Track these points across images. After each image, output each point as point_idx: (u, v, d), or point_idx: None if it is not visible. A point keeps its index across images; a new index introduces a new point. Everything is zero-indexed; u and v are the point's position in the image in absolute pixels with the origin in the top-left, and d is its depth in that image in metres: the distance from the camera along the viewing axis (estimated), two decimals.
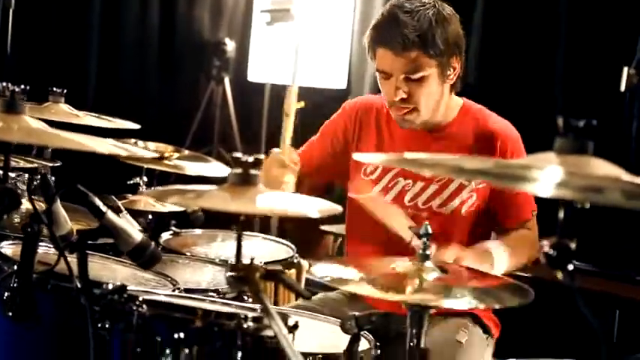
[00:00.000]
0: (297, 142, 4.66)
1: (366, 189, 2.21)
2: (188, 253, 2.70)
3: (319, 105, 4.76)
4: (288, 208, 1.31)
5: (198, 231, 2.98)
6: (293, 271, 2.73)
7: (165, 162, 2.88)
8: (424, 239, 1.50)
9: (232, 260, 1.23)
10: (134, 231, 1.50)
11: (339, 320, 1.75)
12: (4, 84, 1.45)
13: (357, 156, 1.36)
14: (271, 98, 4.68)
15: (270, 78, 4.65)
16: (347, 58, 4.60)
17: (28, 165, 2.09)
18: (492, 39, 3.90)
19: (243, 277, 1.26)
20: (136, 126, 2.59)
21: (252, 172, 1.28)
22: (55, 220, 1.55)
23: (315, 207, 1.34)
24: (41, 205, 1.51)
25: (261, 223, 4.45)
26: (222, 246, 2.89)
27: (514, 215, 2.20)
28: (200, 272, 2.49)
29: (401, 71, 2.06)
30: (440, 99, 2.13)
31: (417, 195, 2.17)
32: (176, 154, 2.96)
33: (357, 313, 1.68)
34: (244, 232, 3.08)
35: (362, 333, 1.69)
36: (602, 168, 1.13)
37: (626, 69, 3.06)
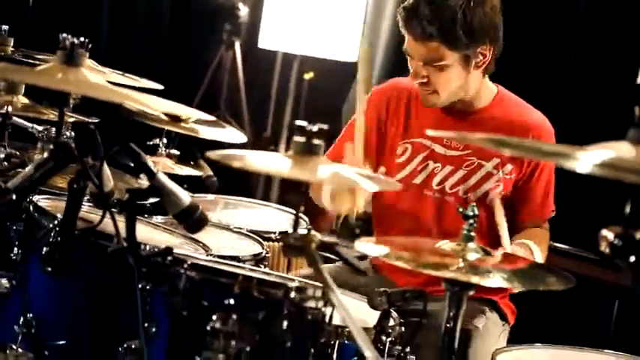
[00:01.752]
0: (304, 113, 4.67)
1: (394, 171, 2.21)
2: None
3: (328, 77, 4.76)
4: (350, 180, 1.30)
5: (211, 196, 2.97)
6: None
7: (182, 124, 2.86)
8: (471, 221, 1.51)
9: (253, 229, 1.22)
10: (183, 193, 1.49)
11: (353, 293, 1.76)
12: (65, 35, 1.42)
13: (430, 132, 1.35)
14: (282, 66, 4.65)
15: (281, 46, 4.61)
16: (359, 31, 4.57)
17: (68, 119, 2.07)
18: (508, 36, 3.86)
19: (300, 247, 1.26)
20: (160, 86, 2.57)
21: (315, 141, 1.28)
22: (100, 178, 1.54)
23: (373, 182, 1.34)
24: (89, 162, 1.49)
25: (264, 192, 4.46)
26: (235, 213, 2.90)
27: (535, 212, 2.21)
28: (217, 238, 2.49)
29: (420, 57, 2.07)
30: (465, 83, 2.12)
31: (445, 179, 2.18)
32: (192, 118, 2.95)
33: (388, 290, 1.69)
34: (258, 201, 3.07)
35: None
36: None
37: None
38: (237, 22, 4.70)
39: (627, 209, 1.16)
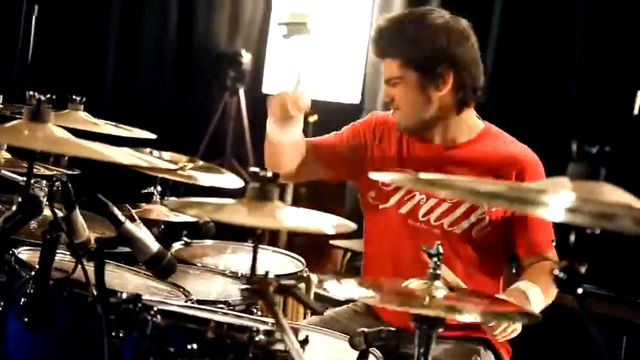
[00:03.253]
0: None
1: (382, 199, 2.23)
2: (199, 264, 2.72)
3: (333, 119, 4.79)
4: (307, 224, 1.33)
5: (209, 242, 3.00)
6: (302, 285, 2.75)
7: (179, 172, 2.90)
8: (435, 259, 1.52)
9: (246, 273, 1.24)
10: (151, 240, 1.52)
11: (347, 336, 1.77)
12: (31, 93, 1.48)
13: (373, 175, 1.38)
14: None
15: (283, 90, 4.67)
16: (361, 73, 4.63)
17: (48, 172, 2.13)
18: (507, 61, 3.92)
19: (258, 290, 1.28)
20: (153, 136, 2.62)
21: (270, 187, 1.30)
22: (74, 227, 1.58)
23: (330, 223, 1.36)
24: (60, 213, 1.53)
25: (270, 236, 4.48)
26: (233, 258, 2.91)
27: (535, 247, 2.15)
28: (211, 283, 2.51)
29: (385, 76, 2.20)
30: (427, 104, 2.14)
31: (430, 211, 2.18)
32: (190, 165, 3.00)
33: (366, 330, 1.70)
34: (266, 247, 3.10)
35: (370, 349, 1.71)
36: (614, 194, 1.15)
37: (639, 93, 3.08)
38: (241, 69, 4.79)
39: (571, 243, 1.17)
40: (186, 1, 4.80)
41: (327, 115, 4.81)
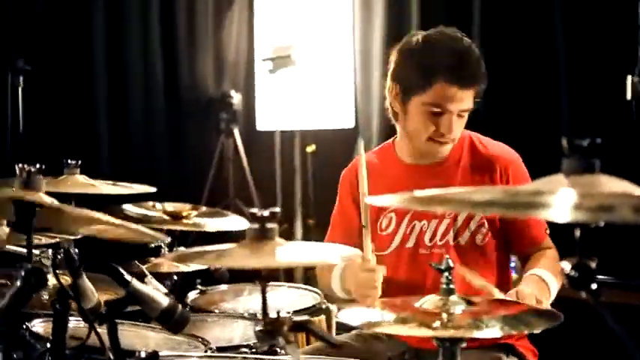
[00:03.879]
0: (313, 185, 4.70)
1: (383, 246, 2.21)
2: (216, 311, 2.71)
3: (331, 146, 4.82)
4: (310, 258, 1.32)
5: (224, 287, 2.99)
6: (322, 317, 2.73)
7: (184, 221, 2.90)
8: (446, 274, 1.51)
9: (259, 315, 1.23)
10: (160, 296, 1.51)
11: None
12: (20, 165, 1.48)
13: (369, 199, 1.37)
14: (283, 144, 4.73)
15: (278, 125, 4.69)
16: (352, 96, 4.64)
17: (51, 240, 2.12)
18: (491, 64, 3.91)
19: (271, 331, 1.27)
20: (152, 189, 2.62)
21: (269, 225, 1.30)
22: (82, 293, 1.57)
23: (335, 253, 1.35)
24: (67, 280, 1.53)
25: (286, 272, 4.46)
26: (250, 299, 2.89)
27: (531, 239, 2.20)
28: (230, 328, 2.50)
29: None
30: None
31: (435, 233, 2.18)
32: (194, 212, 2.99)
33: (389, 354, 1.69)
34: (269, 284, 3.08)
35: None
36: (612, 185, 1.14)
37: (630, 77, 3.07)
38: (232, 110, 4.81)
39: (577, 237, 1.16)
40: (170, 51, 4.83)
41: (325, 143, 4.83)
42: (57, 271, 1.50)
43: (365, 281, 1.99)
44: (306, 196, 4.71)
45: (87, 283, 1.60)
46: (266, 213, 1.29)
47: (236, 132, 4.81)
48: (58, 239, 2.07)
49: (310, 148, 4.79)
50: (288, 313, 2.54)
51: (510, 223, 2.16)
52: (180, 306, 1.53)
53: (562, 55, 3.71)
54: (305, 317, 1.27)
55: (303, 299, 2.82)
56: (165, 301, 1.51)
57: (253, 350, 2.13)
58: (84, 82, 4.51)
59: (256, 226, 1.30)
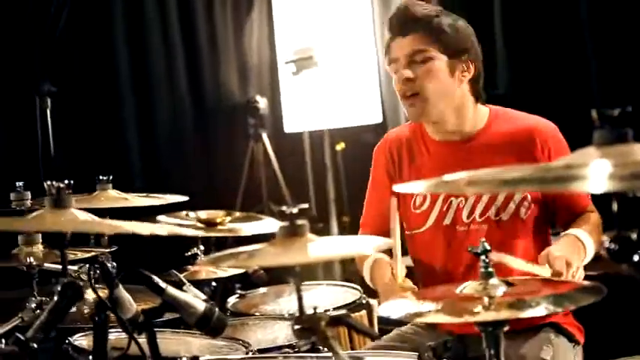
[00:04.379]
0: (346, 183, 4.69)
1: (418, 223, 2.20)
2: (257, 313, 2.71)
3: (359, 142, 4.80)
4: (341, 251, 1.31)
5: (263, 289, 2.99)
6: (363, 312, 2.71)
7: (219, 227, 2.90)
8: (483, 257, 1.48)
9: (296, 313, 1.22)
10: (197, 301, 1.51)
11: (415, 354, 1.74)
12: (49, 182, 1.49)
13: (397, 187, 1.35)
14: (311, 144, 4.72)
15: (305, 126, 4.69)
16: (377, 91, 4.62)
17: (87, 255, 2.14)
18: (515, 44, 3.87)
19: (309, 328, 1.26)
20: (184, 198, 2.63)
21: (299, 222, 1.29)
22: (121, 304, 1.57)
23: (368, 244, 1.33)
24: (105, 293, 1.53)
25: (324, 270, 4.45)
26: (290, 300, 2.88)
27: (576, 207, 2.15)
28: (272, 329, 2.50)
29: (405, 53, 2.10)
30: (453, 95, 2.12)
31: (473, 209, 2.14)
32: (228, 218, 2.99)
33: (432, 343, 1.66)
34: (306, 282, 3.08)
35: None
36: None
37: None
38: (259, 114, 4.81)
39: (615, 210, 1.13)
40: (193, 61, 4.85)
41: (354, 140, 4.81)
42: (94, 285, 1.50)
43: (391, 294, 1.97)
44: (339, 194, 4.69)
45: (124, 294, 1.60)
46: (295, 210, 1.28)
47: (264, 136, 4.81)
48: (94, 253, 2.09)
49: (340, 146, 4.77)
50: (328, 310, 2.56)
51: (554, 194, 2.11)
52: (217, 310, 1.52)
53: (586, 27, 3.64)
54: (342, 312, 1.25)
55: (344, 296, 2.81)
56: (201, 306, 1.50)
57: (296, 350, 2.13)
58: (110, 99, 4.54)
59: (286, 223, 1.29)
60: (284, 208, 1.30)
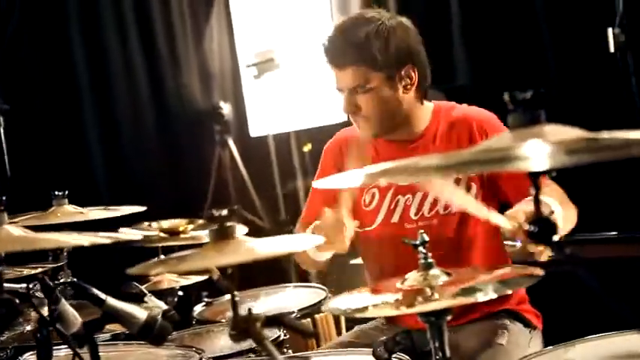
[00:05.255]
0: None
1: (367, 222, 2.20)
2: (223, 320, 2.70)
3: (326, 142, 4.77)
4: (274, 251, 1.30)
5: (229, 296, 2.97)
6: (329, 312, 2.71)
7: (182, 235, 2.89)
8: (421, 248, 1.49)
9: (230, 316, 1.22)
10: (138, 311, 1.50)
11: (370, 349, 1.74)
12: None
13: (336, 179, 1.34)
14: (277, 147, 4.71)
15: (271, 129, 4.68)
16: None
17: (33, 272, 2.12)
18: (473, 34, 3.89)
19: (245, 330, 1.25)
20: (142, 208, 2.61)
21: (228, 224, 1.28)
22: (65, 319, 1.56)
23: (303, 242, 1.33)
24: (45, 310, 1.52)
25: (300, 274, 4.44)
26: (258, 305, 2.88)
27: (525, 185, 2.11)
28: None
29: (347, 85, 2.11)
30: (398, 107, 2.13)
31: (421, 206, 2.15)
32: (190, 226, 2.98)
33: (384, 338, 1.67)
34: (274, 286, 3.05)
35: (394, 356, 1.67)
36: (562, 133, 1.11)
37: (610, 30, 3.02)
38: (224, 120, 4.80)
39: (533, 193, 1.13)
40: (154, 71, 4.83)
41: (321, 141, 4.78)
42: (33, 301, 1.48)
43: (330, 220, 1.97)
44: (309, 195, 4.68)
45: (68, 308, 1.59)
46: (224, 212, 1.28)
47: (230, 142, 4.80)
48: (38, 269, 2.07)
49: (307, 147, 4.77)
50: (293, 312, 2.55)
51: (500, 176, 2.09)
52: (159, 318, 1.51)
53: (542, 17, 3.67)
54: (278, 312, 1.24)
55: (309, 297, 2.80)
56: (142, 314, 1.49)
57: (257, 354, 2.12)
58: (70, 113, 4.52)
59: (216, 226, 1.28)
60: (213, 211, 1.29)
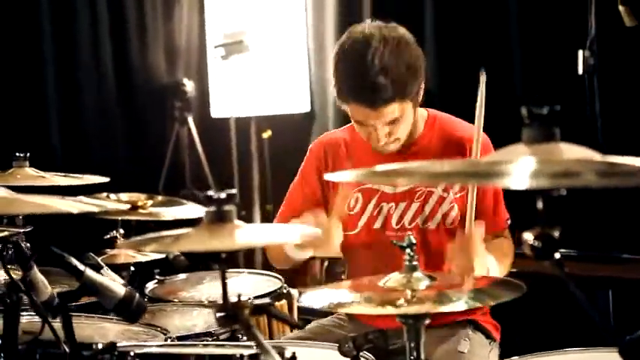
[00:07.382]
0: (271, 171, 4.67)
1: (350, 225, 2.20)
2: (176, 300, 2.67)
3: (286, 131, 4.78)
4: (270, 239, 1.29)
5: (183, 275, 2.94)
6: (284, 302, 2.71)
7: (140, 211, 2.84)
8: (408, 250, 1.49)
9: (219, 300, 1.20)
10: (116, 285, 1.47)
11: (336, 345, 1.73)
12: None
13: (328, 176, 1.34)
14: (237, 131, 4.67)
15: (233, 112, 4.63)
16: (307, 80, 4.60)
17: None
18: (445, 42, 3.92)
19: (232, 316, 1.24)
20: (105, 179, 2.56)
21: (227, 208, 1.26)
22: (34, 286, 1.52)
23: (295, 232, 1.32)
24: (18, 274, 1.47)
25: (246, 258, 4.42)
26: (210, 287, 2.86)
27: (489, 225, 2.13)
28: (190, 316, 2.47)
29: (384, 121, 2.06)
30: (415, 119, 2.16)
31: (402, 216, 2.17)
32: (150, 202, 2.93)
33: (353, 334, 1.67)
34: (229, 270, 3.05)
35: (361, 353, 1.67)
36: (573, 152, 1.13)
37: (581, 52, 3.09)
38: (186, 98, 4.73)
39: (539, 207, 1.15)
40: (120, 41, 4.73)
41: (281, 129, 4.79)
42: (7, 265, 1.44)
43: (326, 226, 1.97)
44: (264, 182, 4.67)
45: (39, 275, 1.55)
46: (223, 195, 1.26)
47: (190, 120, 4.74)
48: (6, 232, 2.00)
49: (266, 134, 4.74)
50: (249, 298, 2.54)
51: (477, 205, 2.10)
52: (137, 295, 1.48)
53: (514, 30, 3.72)
54: (265, 300, 1.23)
55: (265, 284, 2.80)
56: (121, 290, 1.46)
57: (214, 338, 2.11)
58: (32, 76, 4.39)
59: (213, 208, 1.26)
60: (211, 192, 1.27)
